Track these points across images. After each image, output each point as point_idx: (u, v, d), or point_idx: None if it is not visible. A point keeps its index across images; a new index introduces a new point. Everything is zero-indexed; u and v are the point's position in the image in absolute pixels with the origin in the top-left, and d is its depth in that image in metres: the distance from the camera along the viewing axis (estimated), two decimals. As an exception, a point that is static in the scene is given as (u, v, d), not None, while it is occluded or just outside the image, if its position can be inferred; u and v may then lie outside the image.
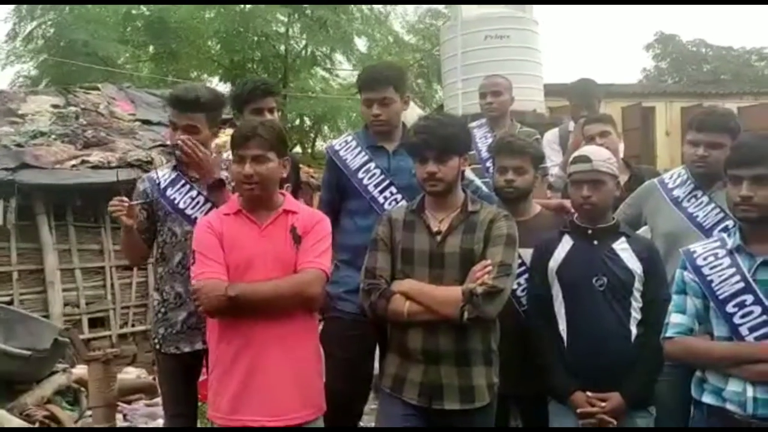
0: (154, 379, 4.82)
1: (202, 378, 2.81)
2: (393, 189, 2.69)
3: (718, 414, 2.02)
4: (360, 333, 2.62)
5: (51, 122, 6.73)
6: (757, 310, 1.96)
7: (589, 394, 2.34)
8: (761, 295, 1.96)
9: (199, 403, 2.92)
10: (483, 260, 2.21)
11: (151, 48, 15.74)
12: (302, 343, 2.29)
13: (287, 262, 2.26)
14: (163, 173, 2.74)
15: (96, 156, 6.06)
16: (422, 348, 2.25)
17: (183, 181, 2.69)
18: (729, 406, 1.99)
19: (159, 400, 4.54)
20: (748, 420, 1.96)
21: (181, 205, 2.66)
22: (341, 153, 2.80)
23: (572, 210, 2.57)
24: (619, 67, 32.10)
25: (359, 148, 2.78)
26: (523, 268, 2.48)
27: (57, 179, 5.78)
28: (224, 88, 16.04)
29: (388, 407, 2.36)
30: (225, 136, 5.42)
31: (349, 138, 2.86)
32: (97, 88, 8.05)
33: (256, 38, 14.77)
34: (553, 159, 4.19)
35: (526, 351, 2.45)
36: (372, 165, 2.73)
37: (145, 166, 5.83)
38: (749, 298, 1.97)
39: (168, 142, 6.47)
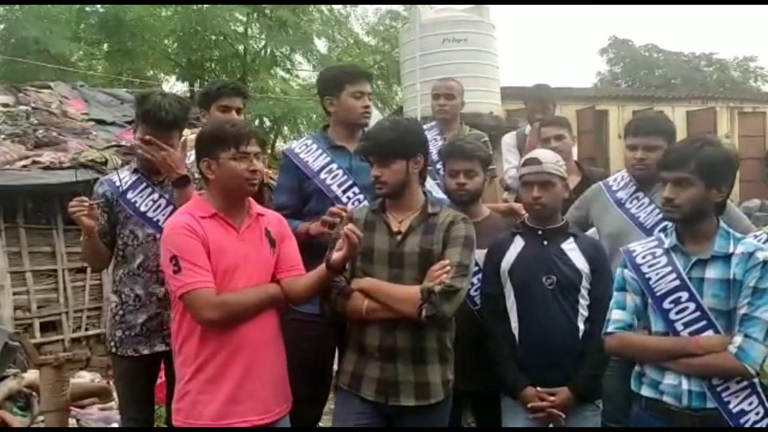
0: (108, 383, 4.75)
1: (159, 381, 2.81)
2: (356, 189, 2.71)
3: (655, 406, 2.11)
4: (320, 335, 2.65)
5: (0, 121, 6.55)
6: (692, 306, 2.05)
7: (539, 389, 2.42)
8: (695, 293, 2.05)
9: (156, 407, 2.91)
10: (441, 260, 2.27)
11: (105, 46, 15.36)
12: (280, 341, 2.33)
13: (267, 267, 2.27)
14: (123, 176, 2.71)
15: (47, 156, 5.92)
16: (379, 345, 2.29)
17: (144, 184, 2.67)
18: (665, 399, 2.08)
19: (113, 404, 4.48)
20: (683, 412, 2.05)
21: (143, 208, 2.64)
22: (302, 155, 2.80)
23: (522, 212, 2.65)
24: (575, 70, 32.89)
25: (320, 150, 2.79)
26: (476, 268, 2.55)
27: (6, 180, 5.62)
28: (181, 87, 15.86)
29: (344, 405, 2.40)
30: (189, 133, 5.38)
31: (309, 141, 2.86)
32: (49, 87, 7.85)
33: (214, 37, 14.60)
34: (511, 161, 4.29)
35: (479, 349, 2.52)
36: (334, 165, 2.74)
37: (99, 166, 5.73)
38: (684, 295, 2.06)
39: (122, 143, 6.40)
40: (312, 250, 2.49)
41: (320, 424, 3.01)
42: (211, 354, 2.17)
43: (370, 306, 2.28)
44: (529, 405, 2.42)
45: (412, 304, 2.21)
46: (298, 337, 2.66)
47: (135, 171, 2.72)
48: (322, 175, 2.74)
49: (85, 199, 2.53)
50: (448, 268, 2.24)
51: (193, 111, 3.23)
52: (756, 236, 2.38)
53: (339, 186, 2.72)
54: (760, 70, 24.07)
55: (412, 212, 2.39)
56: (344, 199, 2.69)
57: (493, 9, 9.30)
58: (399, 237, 2.35)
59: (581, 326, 2.45)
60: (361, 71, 2.95)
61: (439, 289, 2.20)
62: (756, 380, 2.05)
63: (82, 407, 4.56)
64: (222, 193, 2.24)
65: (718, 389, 2.03)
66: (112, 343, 2.70)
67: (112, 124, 7.23)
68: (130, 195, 2.66)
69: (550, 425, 2.50)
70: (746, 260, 2.03)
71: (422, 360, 2.30)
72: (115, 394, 4.13)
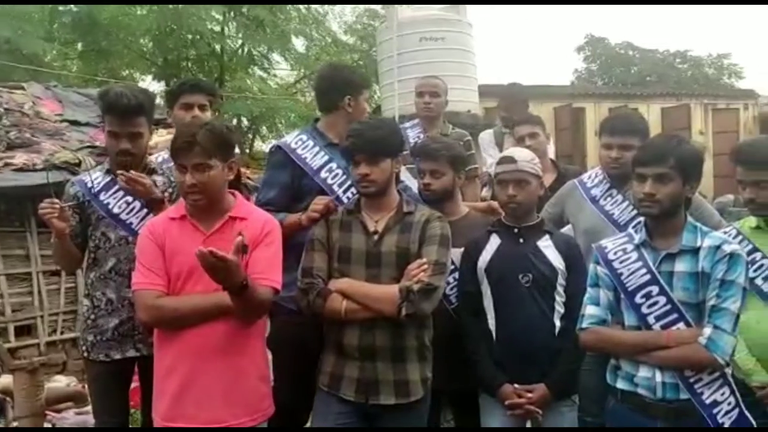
0: (84, 387, 4.69)
1: (133, 385, 2.78)
2: (354, 190, 2.61)
3: (630, 399, 2.14)
4: (307, 332, 2.56)
5: (-28, 123, 6.42)
6: (662, 300, 2.09)
7: (516, 386, 2.44)
8: (665, 286, 2.09)
9: (132, 411, 2.88)
10: (419, 259, 2.28)
11: (79, 45, 15.17)
12: (245, 348, 2.22)
13: None
14: (96, 176, 2.67)
15: (20, 158, 5.81)
16: (359, 345, 2.30)
17: (118, 186, 2.63)
18: (640, 391, 2.12)
19: (89, 408, 4.42)
20: (658, 403, 2.09)
21: (116, 210, 2.61)
22: (299, 152, 2.69)
23: (500, 211, 2.67)
24: (552, 68, 33.15)
25: (317, 147, 2.70)
26: (452, 267, 2.55)
27: (-22, 183, 5.52)
28: (158, 86, 15.68)
29: (323, 406, 2.39)
30: (158, 136, 5.32)
31: (304, 136, 2.74)
32: (22, 88, 7.70)
33: (190, 36, 14.47)
34: (494, 156, 4.29)
35: (456, 347, 2.53)
36: (334, 164, 2.66)
37: (73, 168, 5.65)
38: (655, 289, 2.10)
39: (97, 143, 6.31)
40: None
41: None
42: (161, 357, 2.22)
43: (349, 307, 2.28)
44: (506, 402, 2.44)
45: (392, 303, 2.22)
46: (287, 341, 2.62)
47: (108, 172, 2.69)
48: (323, 174, 2.66)
49: (57, 201, 2.49)
50: (426, 266, 2.25)
51: (164, 112, 3.20)
52: (725, 231, 2.43)
53: (340, 186, 2.66)
54: (733, 66, 24.54)
55: (388, 212, 2.39)
56: (344, 199, 2.61)
57: (471, 7, 9.35)
58: (376, 237, 2.35)
59: (557, 323, 2.47)
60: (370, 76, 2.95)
61: (418, 287, 2.21)
62: (727, 371, 2.09)
63: (58, 411, 4.50)
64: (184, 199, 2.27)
65: (691, 380, 2.06)
66: (84, 348, 2.66)
67: (87, 124, 7.13)
68: (102, 196, 2.62)
69: (528, 422, 2.52)
70: (713, 253, 2.07)
71: (402, 358, 2.31)
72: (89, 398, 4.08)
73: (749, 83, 24.04)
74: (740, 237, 2.43)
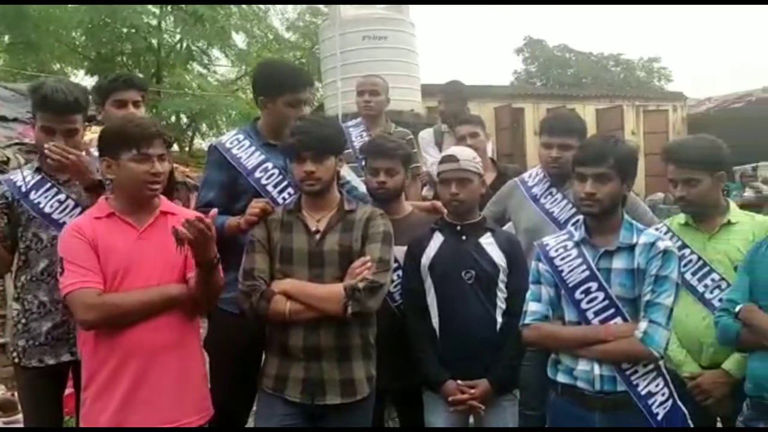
0: (12, 395, 4.47)
1: (67, 392, 2.67)
2: (291, 190, 2.60)
3: (570, 392, 2.20)
4: (249, 336, 2.54)
5: None
6: (601, 295, 2.16)
7: (459, 382, 2.47)
8: (603, 282, 2.16)
9: (65, 418, 2.78)
10: (362, 257, 2.28)
11: (6, 38, 14.47)
12: (189, 346, 2.22)
13: (173, 265, 2.19)
14: (25, 175, 2.56)
15: (-58, 155, 5.50)
16: (303, 345, 2.27)
17: (49, 184, 2.53)
18: (579, 384, 2.18)
19: (19, 416, 4.22)
20: (596, 396, 2.15)
21: (47, 210, 2.50)
22: (234, 151, 2.65)
23: (444, 210, 2.70)
24: (493, 69, 33.78)
25: (253, 147, 2.66)
26: (396, 265, 2.56)
27: None
28: (91, 81, 15.11)
29: (267, 408, 2.36)
30: (91, 133, 5.12)
31: (241, 136, 2.70)
32: (-57, 81, 7.31)
33: (125, 30, 14.01)
34: (434, 155, 4.33)
35: (400, 345, 2.54)
36: (269, 164, 2.63)
37: (1, 166, 5.38)
38: (594, 285, 2.16)
39: (26, 140, 6.03)
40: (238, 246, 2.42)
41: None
42: (102, 360, 2.11)
43: (294, 308, 2.25)
44: (450, 398, 2.47)
45: (337, 302, 2.21)
46: (225, 339, 2.60)
47: (38, 170, 2.58)
48: (257, 174, 2.62)
49: None
50: (370, 264, 2.25)
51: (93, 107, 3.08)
52: (657, 228, 2.53)
53: (275, 186, 2.62)
54: (663, 70, 25.54)
55: (329, 210, 2.38)
56: (280, 200, 2.58)
57: (413, 7, 9.41)
58: (318, 236, 2.33)
59: (499, 319, 2.51)
60: (304, 79, 2.74)
61: (363, 285, 2.21)
62: (661, 363, 2.17)
63: (-15, 422, 4.27)
64: (122, 193, 2.20)
65: (627, 373, 2.13)
66: (15, 354, 2.54)
67: (15, 120, 6.81)
68: (33, 196, 2.51)
69: (471, 417, 2.56)
70: (648, 250, 2.15)
71: (347, 357, 2.30)
72: (20, 407, 3.90)
73: (677, 86, 25.16)
74: (670, 234, 2.52)
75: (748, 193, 7.78)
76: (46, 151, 2.43)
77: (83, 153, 2.52)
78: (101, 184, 2.46)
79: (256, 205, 2.46)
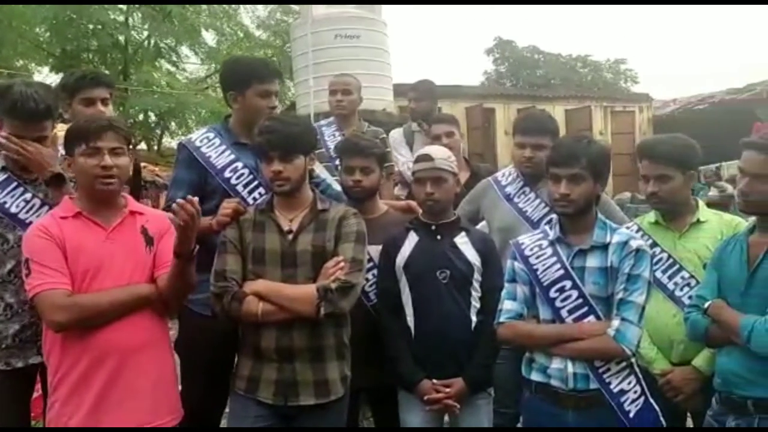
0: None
1: (35, 395, 2.61)
2: (261, 190, 2.58)
3: (544, 390, 2.21)
4: (219, 337, 2.51)
5: None
6: (575, 294, 2.17)
7: (434, 381, 2.47)
8: (577, 281, 2.18)
9: (33, 422, 2.71)
10: (335, 257, 2.26)
11: (-34, 33, 14.07)
12: (162, 347, 2.20)
13: (142, 266, 2.16)
14: None
15: None
16: (276, 346, 2.25)
17: (15, 183, 2.45)
18: (553, 382, 2.19)
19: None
20: (569, 394, 2.17)
21: (14, 209, 2.43)
22: (203, 150, 2.62)
23: (419, 210, 2.69)
24: (463, 69, 34.06)
25: (223, 146, 2.63)
26: (371, 264, 2.56)
27: None
28: (56, 78, 14.78)
29: (240, 410, 2.33)
30: (58, 130, 5.00)
31: (211, 134, 2.67)
32: None
33: (91, 26, 13.73)
34: (405, 155, 4.33)
35: (374, 344, 2.53)
36: (239, 164, 2.60)
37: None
38: (568, 284, 2.18)
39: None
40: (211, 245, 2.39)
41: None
42: (73, 362, 2.08)
43: (266, 309, 2.23)
44: (425, 398, 2.46)
45: (310, 303, 2.19)
46: (196, 339, 2.58)
47: (3, 169, 2.51)
48: (227, 174, 2.59)
49: None
50: (343, 264, 2.24)
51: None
52: (627, 227, 2.56)
53: (245, 186, 2.59)
54: (629, 72, 26.01)
55: (302, 210, 2.36)
56: (250, 200, 2.55)
57: (385, 7, 9.40)
58: (290, 236, 2.31)
59: (473, 318, 2.52)
60: (272, 69, 2.75)
61: (336, 285, 2.19)
62: (633, 361, 2.19)
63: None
64: (81, 191, 2.17)
65: (600, 371, 2.15)
66: (-20, 357, 2.47)
67: (-24, 117, 6.62)
68: None
69: (446, 416, 2.56)
70: (621, 249, 2.18)
71: (321, 358, 2.28)
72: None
73: (643, 87, 25.60)
74: (641, 233, 2.55)
75: (713, 192, 7.95)
76: (2, 142, 2.36)
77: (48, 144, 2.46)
78: (61, 177, 2.41)
79: (228, 206, 2.43)
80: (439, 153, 2.62)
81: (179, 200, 2.02)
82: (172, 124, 16.16)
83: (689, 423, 2.65)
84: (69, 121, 3.15)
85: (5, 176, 2.48)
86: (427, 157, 2.57)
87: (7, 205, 2.45)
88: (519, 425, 2.67)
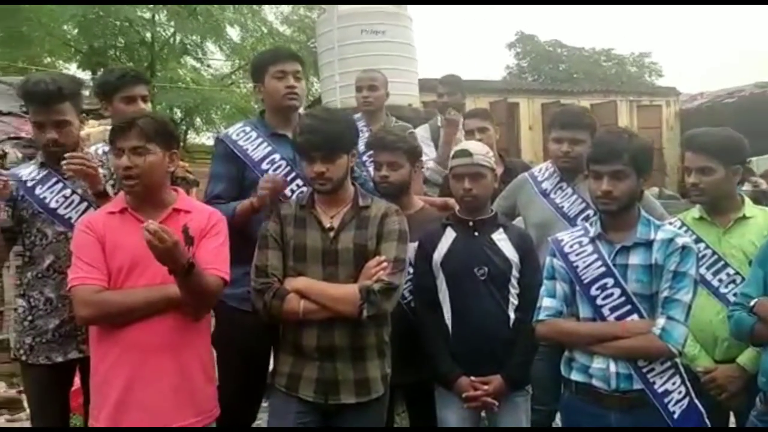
0: (18, 392, 4.43)
1: (74, 387, 2.64)
2: (299, 181, 2.57)
3: (585, 390, 2.18)
4: (255, 332, 2.50)
5: None
6: (617, 292, 2.13)
7: (472, 378, 2.45)
8: (620, 278, 2.14)
9: (72, 415, 2.74)
10: (377, 256, 2.24)
11: (-3, 31, 14.30)
12: (190, 347, 2.15)
13: None
14: (30, 170, 2.54)
15: (-64, 150, 5.43)
16: (317, 345, 2.23)
17: (55, 179, 2.50)
18: (595, 382, 2.15)
19: (23, 414, 4.19)
20: (612, 394, 2.13)
21: (53, 205, 2.48)
22: (240, 143, 2.62)
23: (456, 207, 2.67)
24: (485, 64, 33.73)
25: (260, 138, 2.63)
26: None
27: None
28: (83, 75, 14.98)
29: (282, 406, 2.33)
30: (89, 127, 5.06)
31: (247, 128, 2.67)
32: (-65, 74, 7.21)
33: (118, 23, 13.88)
34: (428, 153, 4.31)
35: (410, 341, 2.52)
36: (276, 156, 2.59)
37: (-2, 160, 5.32)
38: (610, 281, 2.14)
39: (22, 135, 5.96)
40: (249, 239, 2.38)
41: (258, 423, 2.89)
42: (102, 356, 2.10)
43: (308, 307, 2.21)
44: (463, 395, 2.45)
45: (352, 304, 2.17)
46: (233, 335, 2.57)
47: (43, 165, 2.55)
48: (264, 166, 2.59)
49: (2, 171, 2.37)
50: (385, 264, 2.21)
51: (94, 102, 3.05)
52: (671, 223, 2.52)
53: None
54: (653, 65, 25.58)
55: (343, 206, 2.33)
56: (288, 192, 2.54)
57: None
58: (332, 233, 2.29)
59: (511, 315, 2.49)
60: (284, 51, 2.83)
61: (378, 287, 2.17)
62: (678, 360, 2.15)
63: (-14, 419, 4.23)
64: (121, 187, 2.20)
65: (644, 370, 2.11)
66: (21, 351, 2.51)
67: (9, 114, 6.74)
68: (38, 190, 2.49)
69: (483, 413, 2.54)
70: (666, 246, 2.13)
71: (361, 357, 2.27)
72: (25, 404, 3.85)
73: (668, 81, 25.15)
74: (684, 228, 2.51)
75: (746, 187, 7.82)
76: (65, 162, 2.38)
77: (83, 150, 2.51)
78: (106, 194, 2.45)
79: (267, 181, 2.42)
80: (478, 148, 2.59)
81: (150, 223, 1.89)
82: (197, 120, 16.29)
83: (732, 422, 2.60)
84: (109, 118, 3.20)
85: (45, 172, 2.53)
86: (465, 153, 2.55)
87: (47, 200, 2.49)
88: (555, 422, 2.65)
